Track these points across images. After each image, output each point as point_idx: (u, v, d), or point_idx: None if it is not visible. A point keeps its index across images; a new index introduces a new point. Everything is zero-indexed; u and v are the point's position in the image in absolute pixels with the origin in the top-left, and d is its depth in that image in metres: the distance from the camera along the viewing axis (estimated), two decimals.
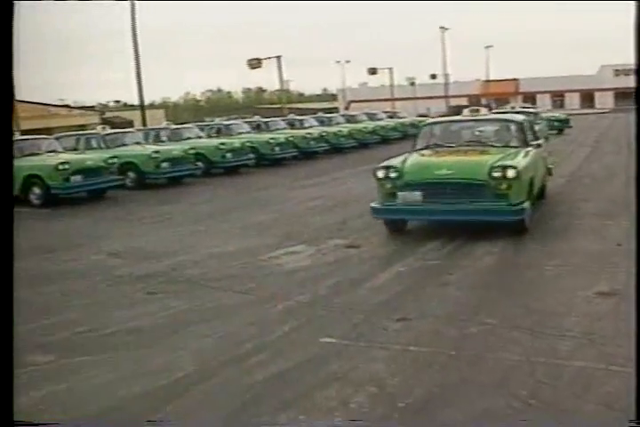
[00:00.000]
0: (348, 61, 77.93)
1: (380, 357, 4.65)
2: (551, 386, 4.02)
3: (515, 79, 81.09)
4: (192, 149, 18.74)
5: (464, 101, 77.15)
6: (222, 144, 20.01)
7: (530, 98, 70.05)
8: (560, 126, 34.12)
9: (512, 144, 10.05)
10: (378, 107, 51.46)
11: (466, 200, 8.59)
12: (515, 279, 6.94)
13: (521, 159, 9.26)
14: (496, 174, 8.49)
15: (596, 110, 65.31)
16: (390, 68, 62.65)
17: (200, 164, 19.40)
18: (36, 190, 14.86)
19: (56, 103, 49.57)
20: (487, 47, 77.59)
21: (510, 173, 8.47)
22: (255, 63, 36.03)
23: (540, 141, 11.21)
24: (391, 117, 36.95)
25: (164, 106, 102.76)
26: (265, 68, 39.73)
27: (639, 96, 3.97)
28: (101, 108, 74.85)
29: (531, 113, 23.10)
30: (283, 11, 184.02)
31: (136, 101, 30.52)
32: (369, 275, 7.24)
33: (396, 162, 9.46)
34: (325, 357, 4.70)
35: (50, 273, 8.25)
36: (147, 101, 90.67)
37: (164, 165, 17.65)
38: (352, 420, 3.70)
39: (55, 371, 4.72)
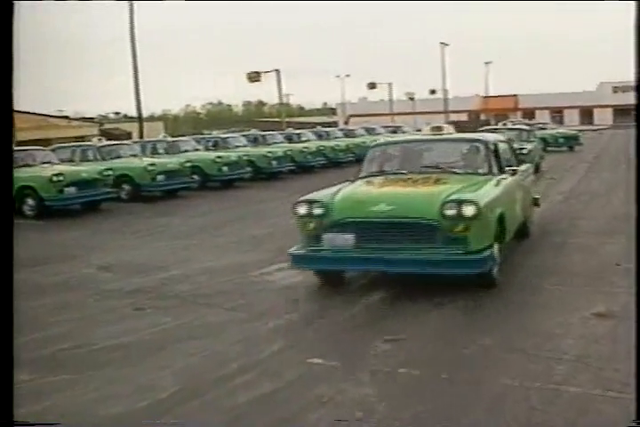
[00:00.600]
0: (347, 75, 78.24)
1: (369, 380, 4.50)
2: (544, 412, 3.88)
3: (514, 95, 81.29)
4: (188, 161, 18.62)
5: (463, 117, 77.41)
6: (219, 157, 19.91)
7: (529, 114, 70.13)
8: (568, 144, 32.77)
9: (480, 171, 7.94)
10: (377, 121, 51.55)
11: (411, 246, 6.62)
12: None
13: (487, 191, 7.24)
14: (449, 212, 6.45)
15: (594, 127, 65.40)
16: (389, 83, 62.83)
17: (196, 177, 19.30)
18: (30, 202, 14.73)
19: (55, 114, 49.57)
20: (487, 63, 77.86)
21: (468, 211, 6.42)
22: (254, 76, 36.07)
23: (522, 167, 9.55)
24: (394, 132, 36.91)
25: (164, 118, 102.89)
26: (265, 82, 39.81)
27: (639, 102, 3.87)
28: (101, 120, 74.93)
29: (522, 130, 22.66)
30: (286, 24, 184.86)
31: (133, 113, 30.51)
32: (364, 293, 7.10)
33: (323, 194, 7.46)
34: (313, 378, 4.56)
35: (39, 286, 8.12)
36: (147, 113, 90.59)
37: (160, 177, 17.54)
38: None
39: (35, 390, 4.58)
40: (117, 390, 4.53)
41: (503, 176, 7.99)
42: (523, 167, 9.63)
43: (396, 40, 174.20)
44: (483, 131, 20.51)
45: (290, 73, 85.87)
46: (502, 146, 8.94)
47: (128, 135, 41.35)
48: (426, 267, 6.50)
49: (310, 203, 7.14)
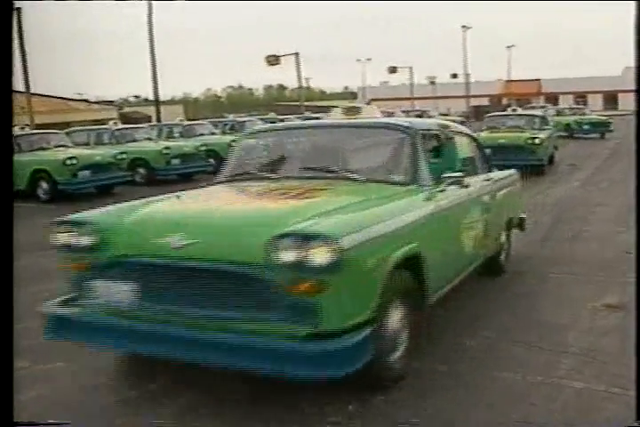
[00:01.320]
0: (368, 59, 77.92)
1: None
2: (544, 409, 3.73)
3: (537, 80, 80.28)
4: (204, 145, 18.56)
5: (485, 101, 76.72)
6: (234, 141, 19.77)
7: (552, 99, 69.27)
8: (596, 131, 30.12)
9: (395, 178, 4.93)
10: (398, 105, 51.09)
11: (223, 315, 3.69)
12: None
13: (379, 215, 4.15)
14: (282, 256, 3.50)
15: (619, 112, 64.43)
16: (410, 67, 62.22)
17: (212, 160, 19.22)
18: (44, 185, 14.74)
19: (74, 97, 49.69)
20: (509, 47, 77.12)
21: (318, 255, 3.44)
22: (273, 60, 35.78)
23: (495, 174, 6.82)
24: (420, 117, 36.50)
25: (184, 101, 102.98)
26: (286, 66, 39.53)
27: (639, 94, 3.80)
28: (121, 103, 75.08)
29: (534, 116, 19.13)
30: (307, 8, 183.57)
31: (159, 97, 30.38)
32: None
33: (108, 211, 4.57)
34: None
35: (44, 271, 8.05)
36: (167, 97, 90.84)
37: (175, 161, 17.49)
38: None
39: (27, 378, 4.50)
40: (114, 376, 4.45)
41: (441, 190, 4.98)
42: (496, 175, 6.94)
43: (418, 24, 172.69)
44: (485, 117, 19.80)
45: (311, 57, 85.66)
46: (451, 139, 5.75)
47: (148, 119, 41.41)
48: (248, 359, 3.56)
49: (77, 225, 4.21)
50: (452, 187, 5.13)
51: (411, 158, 5.02)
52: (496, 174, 6.95)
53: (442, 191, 4.97)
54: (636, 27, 3.34)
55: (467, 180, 5.35)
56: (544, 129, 17.91)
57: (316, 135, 5.79)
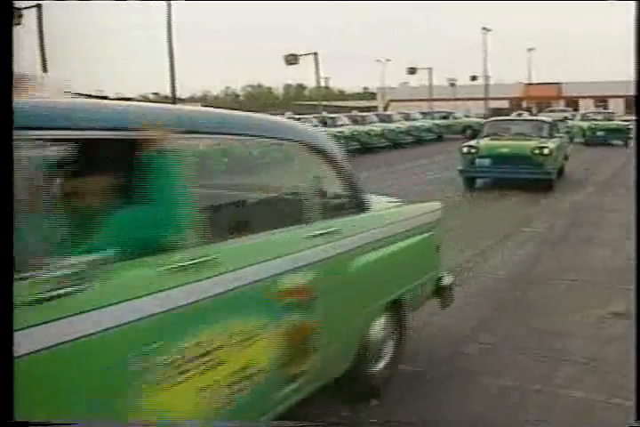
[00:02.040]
0: (388, 60, 77.57)
1: None
2: (538, 418, 3.69)
3: (557, 83, 79.69)
4: None
5: (505, 104, 76.25)
6: (487, 121, 19.81)
7: (572, 102, 68.82)
8: (612, 139, 27.34)
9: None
10: (418, 107, 51.00)
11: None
12: None
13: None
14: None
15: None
16: (429, 68, 62.04)
17: None
18: None
19: (95, 94, 49.90)
20: (529, 50, 76.54)
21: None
22: (292, 59, 35.81)
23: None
24: (446, 118, 36.63)
25: (203, 99, 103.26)
26: (305, 65, 39.55)
27: (639, 99, 3.74)
28: (139, 100, 75.14)
29: (543, 122, 16.67)
30: (327, 8, 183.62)
31: (174, 94, 30.48)
32: None
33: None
34: None
35: None
36: (187, 94, 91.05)
37: None
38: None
39: None
40: None
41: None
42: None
43: (439, 25, 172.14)
44: (485, 122, 18.30)
45: (331, 57, 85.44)
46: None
47: None
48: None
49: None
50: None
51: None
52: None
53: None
54: (637, 29, 3.27)
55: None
56: (554, 137, 15.62)
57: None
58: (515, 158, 14.22)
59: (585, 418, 3.75)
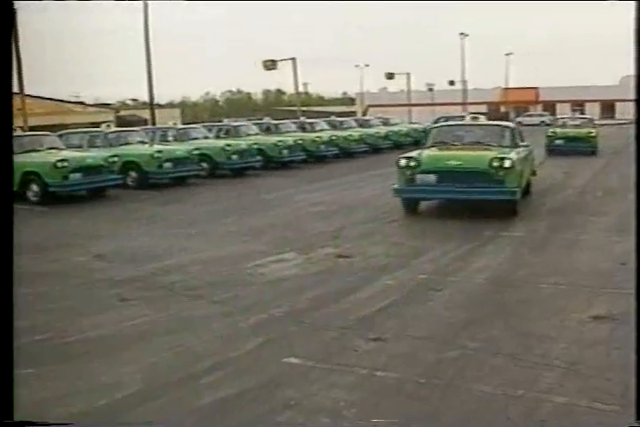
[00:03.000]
0: (367, 65, 77.35)
1: (343, 382, 4.27)
2: (521, 425, 3.63)
3: (535, 88, 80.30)
4: (197, 149, 18.43)
5: (483, 109, 76.55)
6: (228, 145, 19.67)
7: (550, 107, 69.32)
8: (572, 146, 24.04)
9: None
10: (396, 112, 51.07)
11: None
12: None
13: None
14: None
15: (616, 121, 64.49)
16: (407, 74, 62.12)
17: (205, 165, 19.12)
18: (34, 188, 14.57)
19: (71, 100, 49.53)
20: (507, 55, 76.84)
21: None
22: (270, 64, 35.67)
23: None
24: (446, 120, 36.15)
25: (182, 105, 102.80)
26: (285, 70, 39.46)
27: (639, 99, 3.71)
28: (119, 106, 74.89)
29: (503, 127, 13.27)
30: (307, 12, 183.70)
31: (154, 100, 30.22)
32: (354, 288, 6.86)
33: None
34: (284, 380, 4.33)
35: (30, 274, 7.95)
36: (166, 100, 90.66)
37: (167, 165, 17.34)
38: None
39: None
40: (78, 386, 4.33)
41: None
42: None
43: (418, 30, 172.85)
44: (430, 127, 16.04)
45: (311, 62, 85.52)
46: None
47: (144, 122, 41.19)
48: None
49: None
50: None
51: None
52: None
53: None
54: (636, 30, 3.26)
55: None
56: (518, 146, 12.39)
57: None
58: (467, 174, 10.86)
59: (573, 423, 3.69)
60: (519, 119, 37.67)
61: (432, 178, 11.07)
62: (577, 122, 27.15)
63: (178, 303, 6.50)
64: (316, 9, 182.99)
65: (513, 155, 11.29)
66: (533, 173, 14.17)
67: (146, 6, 25.76)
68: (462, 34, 62.09)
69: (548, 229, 10.28)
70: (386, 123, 33.20)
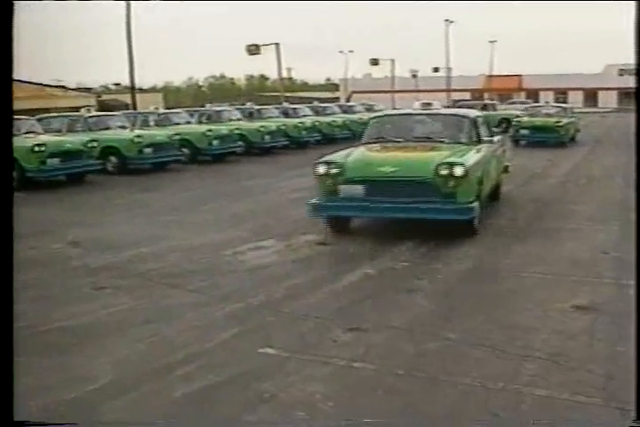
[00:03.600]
0: (351, 51, 77.07)
1: (320, 374, 4.17)
2: (501, 419, 3.54)
3: (518, 75, 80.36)
4: (177, 134, 18.21)
5: (467, 96, 76.51)
6: (209, 131, 19.44)
7: (533, 94, 69.34)
8: (542, 137, 22.59)
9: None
10: (379, 98, 50.90)
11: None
12: None
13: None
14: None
15: (598, 109, 64.72)
16: (392, 60, 62.00)
17: (186, 150, 18.91)
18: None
19: (53, 84, 48.88)
20: (491, 42, 76.79)
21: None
22: (254, 49, 35.43)
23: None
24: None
25: (165, 90, 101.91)
26: (268, 55, 39.15)
27: (639, 95, 3.67)
28: (102, 91, 74.10)
29: (464, 118, 10.00)
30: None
31: (136, 84, 29.91)
32: (333, 277, 6.75)
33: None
34: (259, 372, 4.22)
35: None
36: (148, 85, 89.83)
37: (147, 150, 17.11)
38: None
39: None
40: (46, 379, 4.19)
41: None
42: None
43: (402, 16, 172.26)
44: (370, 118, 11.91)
45: (294, 47, 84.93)
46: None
47: (126, 106, 40.74)
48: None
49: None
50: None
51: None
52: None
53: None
54: (637, 26, 3.23)
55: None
56: (480, 142, 9.68)
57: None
58: (405, 184, 8.08)
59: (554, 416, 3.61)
60: (503, 107, 37.45)
61: (360, 189, 8.29)
62: (550, 110, 25.28)
63: (153, 292, 6.36)
64: None
65: (469, 157, 8.65)
66: (505, 170, 11.61)
67: None
68: (447, 20, 62.03)
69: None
70: (370, 109, 33.02)
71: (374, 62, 57.44)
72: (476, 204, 8.16)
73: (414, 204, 7.96)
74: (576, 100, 75.31)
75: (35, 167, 14.27)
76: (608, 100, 74.06)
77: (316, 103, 30.20)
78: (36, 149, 14.23)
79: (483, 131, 10.15)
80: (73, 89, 50.68)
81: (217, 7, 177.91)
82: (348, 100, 59.80)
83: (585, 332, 4.90)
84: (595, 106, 71.95)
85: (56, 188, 14.76)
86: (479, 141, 9.62)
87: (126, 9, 25.96)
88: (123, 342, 4.92)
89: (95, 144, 15.70)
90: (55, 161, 14.64)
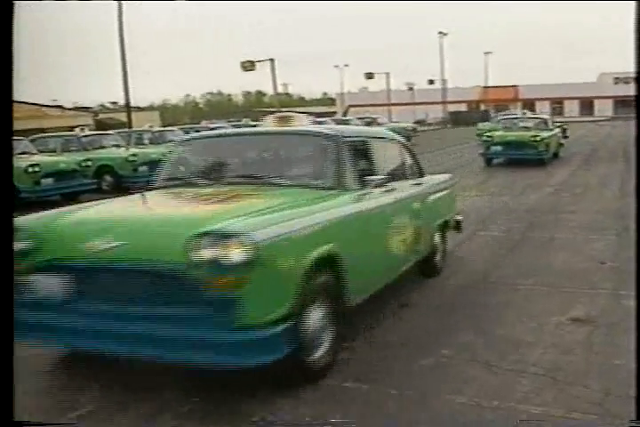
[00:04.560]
0: (346, 65, 77.65)
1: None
2: (501, 419, 3.44)
3: (514, 86, 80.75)
4: None
5: (463, 107, 76.88)
6: (168, 148, 19.37)
7: (529, 104, 69.62)
8: (518, 153, 19.92)
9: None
10: (376, 111, 50.97)
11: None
12: None
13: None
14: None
15: (594, 118, 64.87)
16: (387, 73, 62.29)
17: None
18: None
19: (49, 104, 49.04)
20: (486, 53, 77.31)
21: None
22: (248, 65, 35.46)
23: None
24: (369, 124, 35.97)
25: (162, 108, 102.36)
26: (265, 71, 39.22)
27: (639, 99, 3.61)
28: (100, 110, 74.31)
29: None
30: (286, 13, 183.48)
31: (133, 102, 29.97)
32: None
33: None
34: None
35: None
36: (146, 103, 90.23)
37: (142, 168, 17.02)
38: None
39: None
40: None
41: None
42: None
43: (396, 30, 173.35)
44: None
45: (290, 64, 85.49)
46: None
47: (123, 125, 40.88)
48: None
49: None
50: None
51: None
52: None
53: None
54: (637, 27, 3.17)
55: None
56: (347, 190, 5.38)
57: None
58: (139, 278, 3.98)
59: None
60: (499, 118, 37.55)
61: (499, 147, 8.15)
62: (528, 123, 21.96)
63: None
64: (294, 10, 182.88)
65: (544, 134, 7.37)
66: (455, 227, 7.97)
67: (120, 9, 25.46)
68: (441, 33, 62.36)
69: None
70: (370, 123, 32.80)
71: (369, 76, 57.68)
72: (284, 326, 3.81)
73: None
74: (572, 109, 75.74)
75: (29, 187, 14.22)
76: (604, 109, 74.34)
77: (311, 118, 30.14)
78: (30, 169, 14.19)
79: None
80: (70, 109, 50.81)
81: (213, 25, 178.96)
82: (344, 115, 60.00)
83: (581, 345, 4.80)
84: (591, 114, 72.22)
85: (50, 207, 14.62)
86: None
87: (118, 28, 26.05)
88: None
89: (90, 163, 15.68)
90: (49, 181, 14.60)
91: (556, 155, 21.58)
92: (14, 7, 3.12)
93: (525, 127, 21.21)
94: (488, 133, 21.44)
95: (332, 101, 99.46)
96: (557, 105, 75.35)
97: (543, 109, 61.79)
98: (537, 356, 4.60)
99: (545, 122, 22.00)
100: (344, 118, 35.90)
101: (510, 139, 20.22)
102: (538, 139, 19.77)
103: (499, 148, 20.31)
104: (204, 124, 25.23)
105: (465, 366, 4.45)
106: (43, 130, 30.01)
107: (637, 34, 3.19)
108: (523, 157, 19.87)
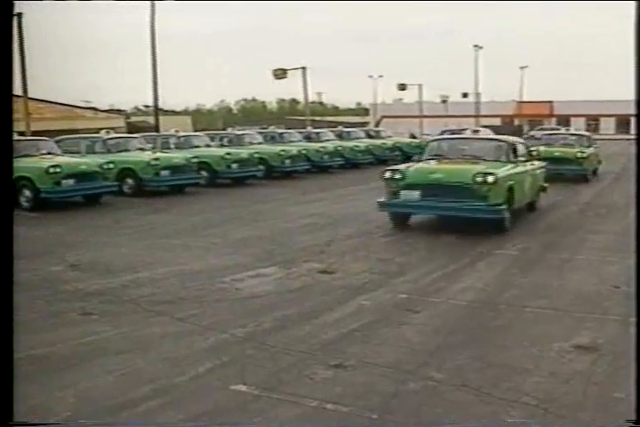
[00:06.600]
0: (380, 76, 77.23)
1: (288, 415, 3.90)
2: (501, 420, 3.26)
3: (549, 101, 79.84)
4: (195, 157, 18.13)
5: (497, 122, 76.16)
6: (228, 154, 19.36)
7: (564, 121, 68.76)
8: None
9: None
10: (408, 123, 50.78)
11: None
12: None
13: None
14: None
15: (630, 136, 63.83)
16: (420, 85, 61.93)
17: (204, 173, 18.85)
18: (26, 193, 14.30)
19: (83, 105, 49.53)
20: (522, 68, 76.48)
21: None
22: (280, 73, 35.54)
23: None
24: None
25: (197, 113, 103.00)
26: (298, 80, 39.27)
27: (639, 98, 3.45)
28: (134, 113, 75.07)
29: None
30: (322, 24, 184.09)
31: (167, 106, 30.25)
32: (327, 308, 6.49)
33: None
34: (226, 410, 3.97)
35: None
36: (181, 107, 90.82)
37: (164, 172, 17.05)
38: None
39: None
40: None
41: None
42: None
43: (432, 42, 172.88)
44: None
45: (324, 71, 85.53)
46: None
47: (154, 128, 41.14)
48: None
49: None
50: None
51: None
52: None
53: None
54: (637, 27, 3.11)
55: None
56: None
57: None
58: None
59: None
60: (532, 133, 36.95)
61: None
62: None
63: (139, 319, 6.16)
64: (331, 21, 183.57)
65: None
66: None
67: (152, 16, 25.62)
68: (476, 46, 61.80)
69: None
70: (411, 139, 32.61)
71: (402, 87, 57.47)
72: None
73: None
74: (608, 126, 74.62)
75: (49, 188, 14.26)
76: None
77: (340, 128, 30.05)
78: (51, 170, 14.23)
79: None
80: (103, 110, 51.29)
81: (249, 33, 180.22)
82: (377, 125, 59.84)
83: (581, 375, 4.57)
84: (627, 132, 71.02)
85: (70, 209, 14.73)
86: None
87: (150, 31, 26.21)
88: (90, 373, 4.70)
89: (112, 166, 15.68)
90: (70, 182, 14.63)
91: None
92: (45, 10, 3.03)
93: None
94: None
95: (365, 111, 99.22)
96: (593, 122, 74.38)
97: (578, 126, 60.97)
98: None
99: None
100: (376, 129, 35.69)
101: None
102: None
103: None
104: (229, 130, 25.14)
105: None
106: (75, 131, 30.24)
107: (638, 34, 3.11)
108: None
